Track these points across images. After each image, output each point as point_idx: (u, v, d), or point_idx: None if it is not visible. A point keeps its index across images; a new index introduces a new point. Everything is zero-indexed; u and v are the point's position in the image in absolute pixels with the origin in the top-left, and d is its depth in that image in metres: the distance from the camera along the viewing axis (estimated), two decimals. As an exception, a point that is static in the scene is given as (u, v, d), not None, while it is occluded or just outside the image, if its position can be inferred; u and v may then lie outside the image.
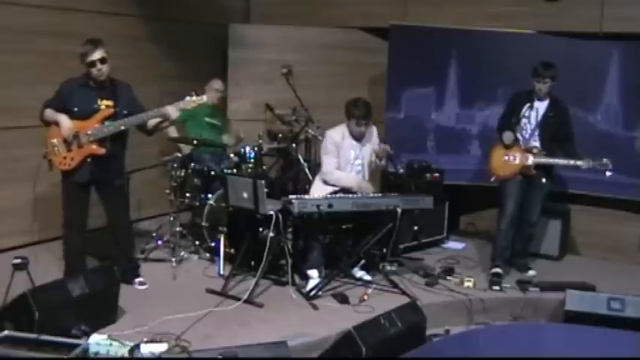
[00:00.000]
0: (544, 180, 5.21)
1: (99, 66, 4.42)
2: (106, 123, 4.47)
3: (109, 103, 4.51)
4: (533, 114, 5.20)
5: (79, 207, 4.61)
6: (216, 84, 6.17)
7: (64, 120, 4.39)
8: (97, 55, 4.41)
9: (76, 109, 4.44)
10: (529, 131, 5.21)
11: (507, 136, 5.22)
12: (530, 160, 5.11)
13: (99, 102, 4.49)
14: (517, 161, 5.16)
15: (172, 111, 4.56)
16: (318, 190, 5.05)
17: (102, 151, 4.49)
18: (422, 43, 6.32)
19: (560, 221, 5.90)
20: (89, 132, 4.42)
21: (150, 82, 6.32)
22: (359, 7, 6.88)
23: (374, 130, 5.23)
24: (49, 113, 4.44)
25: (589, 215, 6.09)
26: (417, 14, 6.53)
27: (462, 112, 6.42)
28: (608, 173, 4.99)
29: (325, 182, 5.08)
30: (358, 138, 5.09)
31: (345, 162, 5.10)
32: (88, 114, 4.45)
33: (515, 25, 6.09)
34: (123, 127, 4.52)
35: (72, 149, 4.43)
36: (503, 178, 5.27)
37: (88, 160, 4.47)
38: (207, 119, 6.08)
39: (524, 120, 5.21)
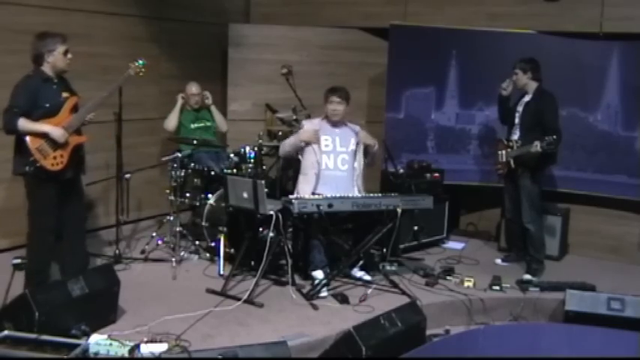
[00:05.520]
0: (519, 171, 5.33)
1: (69, 55, 4.39)
2: (75, 114, 4.43)
3: (67, 94, 4.46)
4: (521, 108, 5.41)
5: (55, 208, 4.46)
6: (192, 88, 6.10)
7: (54, 129, 4.26)
8: (66, 45, 4.37)
9: (47, 105, 4.32)
10: (516, 125, 5.42)
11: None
12: (504, 155, 5.42)
13: (62, 95, 4.42)
14: (503, 158, 5.45)
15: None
16: (302, 190, 5.11)
17: (85, 138, 4.47)
18: (422, 43, 6.32)
19: (560, 221, 5.90)
20: (66, 125, 4.34)
21: (150, 82, 6.32)
22: (359, 7, 6.88)
23: (357, 128, 5.24)
24: (28, 125, 4.21)
25: (589, 215, 6.09)
26: (417, 14, 6.53)
27: (462, 112, 6.42)
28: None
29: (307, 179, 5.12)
30: (334, 123, 5.13)
31: (324, 151, 5.10)
32: (57, 108, 4.37)
33: (515, 25, 6.09)
34: (93, 112, 4.50)
35: (57, 147, 4.32)
36: (503, 174, 5.52)
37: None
38: (192, 126, 6.07)
39: (515, 115, 5.44)
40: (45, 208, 4.41)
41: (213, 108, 6.23)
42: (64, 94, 4.43)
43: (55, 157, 4.32)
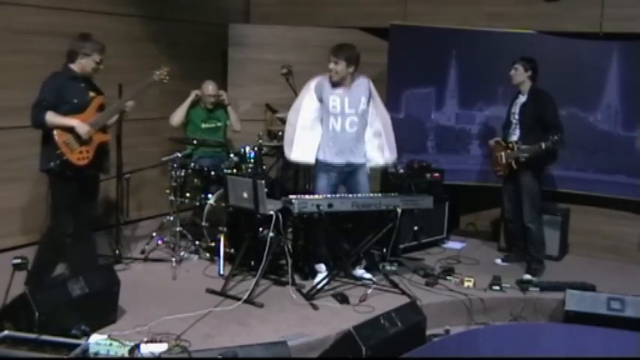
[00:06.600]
0: (523, 173, 5.31)
1: (102, 66, 4.52)
2: (100, 113, 4.52)
3: (94, 94, 4.55)
4: (517, 109, 5.38)
5: (72, 207, 4.53)
6: (209, 87, 6.07)
7: (80, 124, 4.36)
8: (102, 56, 4.50)
9: (75, 101, 4.42)
10: (514, 126, 5.40)
11: (491, 140, 5.70)
12: (504, 157, 5.39)
13: (89, 94, 4.51)
14: (503, 160, 5.41)
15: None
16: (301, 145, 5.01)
17: (108, 137, 4.57)
18: (422, 43, 6.32)
19: (560, 221, 5.90)
20: (92, 122, 4.43)
21: (150, 82, 6.31)
22: (359, 7, 6.88)
23: (366, 82, 5.09)
24: (55, 118, 4.31)
25: (589, 215, 6.09)
26: (417, 14, 6.53)
27: (462, 112, 6.42)
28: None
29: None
30: (336, 84, 4.96)
31: (331, 112, 4.95)
32: (84, 106, 4.46)
33: (515, 25, 6.09)
34: (118, 112, 4.67)
35: (83, 143, 4.41)
36: (503, 175, 5.50)
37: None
38: (203, 125, 6.07)
39: (511, 116, 5.42)
40: (66, 207, 4.51)
41: (229, 108, 6.22)
42: (91, 94, 4.52)
43: (80, 152, 4.40)
